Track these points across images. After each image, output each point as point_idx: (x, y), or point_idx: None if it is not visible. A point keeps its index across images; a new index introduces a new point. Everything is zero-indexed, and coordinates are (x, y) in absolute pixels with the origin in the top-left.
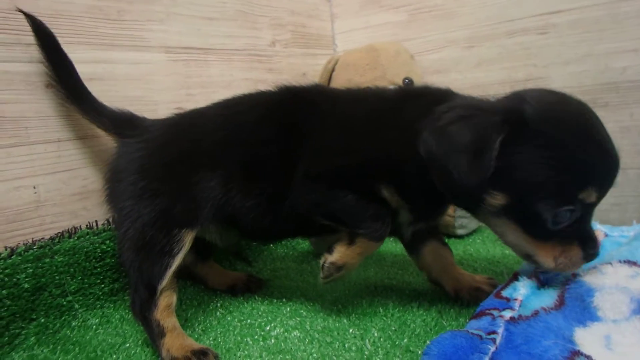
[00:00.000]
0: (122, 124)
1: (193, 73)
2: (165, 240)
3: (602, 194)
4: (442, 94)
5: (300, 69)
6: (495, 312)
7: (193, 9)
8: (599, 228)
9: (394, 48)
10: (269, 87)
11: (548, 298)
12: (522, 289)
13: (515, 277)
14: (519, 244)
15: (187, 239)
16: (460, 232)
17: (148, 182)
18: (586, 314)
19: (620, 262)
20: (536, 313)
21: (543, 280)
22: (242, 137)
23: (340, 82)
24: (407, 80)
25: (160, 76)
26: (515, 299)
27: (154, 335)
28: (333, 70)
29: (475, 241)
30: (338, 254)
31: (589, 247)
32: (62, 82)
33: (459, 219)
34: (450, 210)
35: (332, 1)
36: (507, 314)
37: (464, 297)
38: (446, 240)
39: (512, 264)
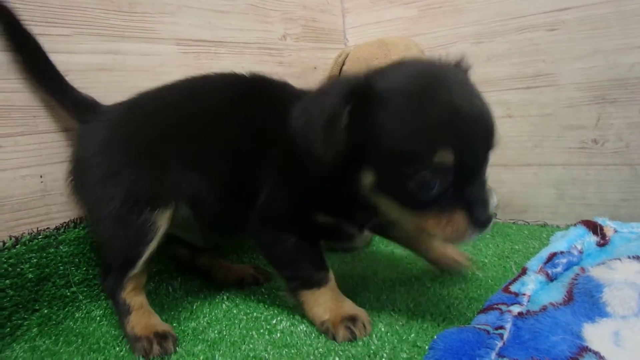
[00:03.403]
0: (83, 109)
1: (204, 65)
2: (140, 223)
3: (466, 155)
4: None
5: (311, 62)
6: (503, 307)
7: (204, 2)
8: (608, 224)
9: (404, 43)
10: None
11: (556, 293)
12: (530, 284)
13: (524, 271)
14: (403, 219)
15: (162, 220)
16: None
17: (113, 158)
18: (595, 309)
19: (629, 257)
20: (544, 308)
21: (552, 275)
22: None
23: None
24: None
25: (170, 68)
26: (524, 294)
27: (120, 312)
28: (343, 64)
29: (484, 236)
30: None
31: (475, 212)
32: (23, 51)
33: None
34: None
35: None
36: (515, 309)
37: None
38: None
39: (521, 259)
